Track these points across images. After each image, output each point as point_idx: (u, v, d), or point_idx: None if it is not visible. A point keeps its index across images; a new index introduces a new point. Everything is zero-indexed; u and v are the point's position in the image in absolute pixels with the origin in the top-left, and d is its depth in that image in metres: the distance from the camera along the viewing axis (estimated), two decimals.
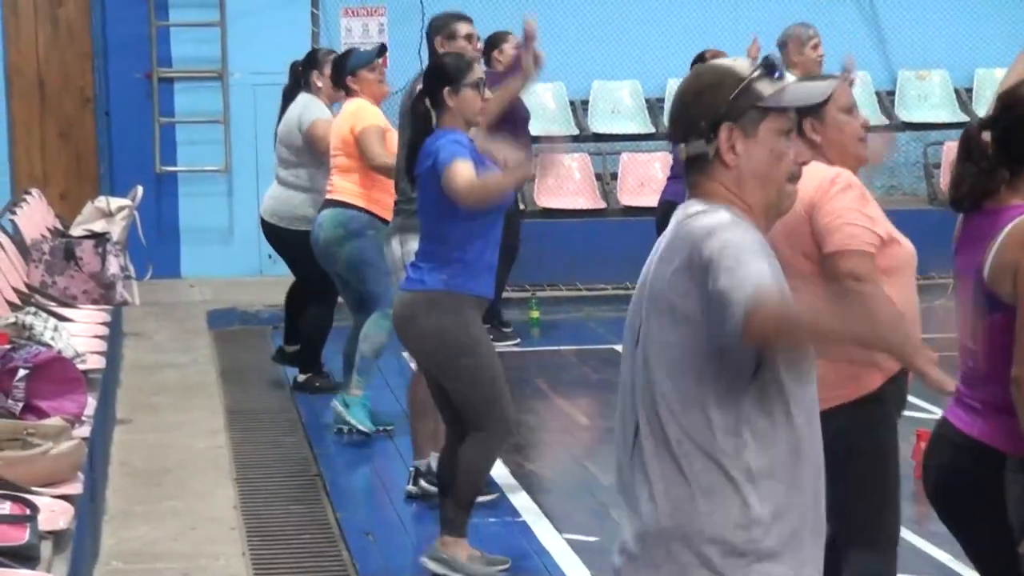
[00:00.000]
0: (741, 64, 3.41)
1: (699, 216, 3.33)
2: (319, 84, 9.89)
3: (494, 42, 11.01)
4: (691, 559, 3.28)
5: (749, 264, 3.20)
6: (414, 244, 7.15)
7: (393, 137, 8.42)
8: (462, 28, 8.11)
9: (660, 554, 3.32)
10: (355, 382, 8.85)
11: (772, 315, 3.13)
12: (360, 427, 8.77)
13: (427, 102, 6.60)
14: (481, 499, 7.45)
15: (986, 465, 4.37)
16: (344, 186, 8.85)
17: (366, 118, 8.79)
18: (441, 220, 6.51)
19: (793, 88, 3.38)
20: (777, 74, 3.36)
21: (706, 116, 3.36)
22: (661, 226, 9.63)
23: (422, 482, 7.61)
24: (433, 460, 7.56)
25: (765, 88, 3.36)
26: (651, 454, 3.33)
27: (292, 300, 10.19)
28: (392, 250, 7.58)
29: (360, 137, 8.74)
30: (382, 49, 9.14)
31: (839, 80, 3.42)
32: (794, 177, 3.40)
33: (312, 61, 10.10)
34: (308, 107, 9.81)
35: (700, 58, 9.76)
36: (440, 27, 8.14)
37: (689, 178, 3.42)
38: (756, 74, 3.36)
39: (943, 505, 4.56)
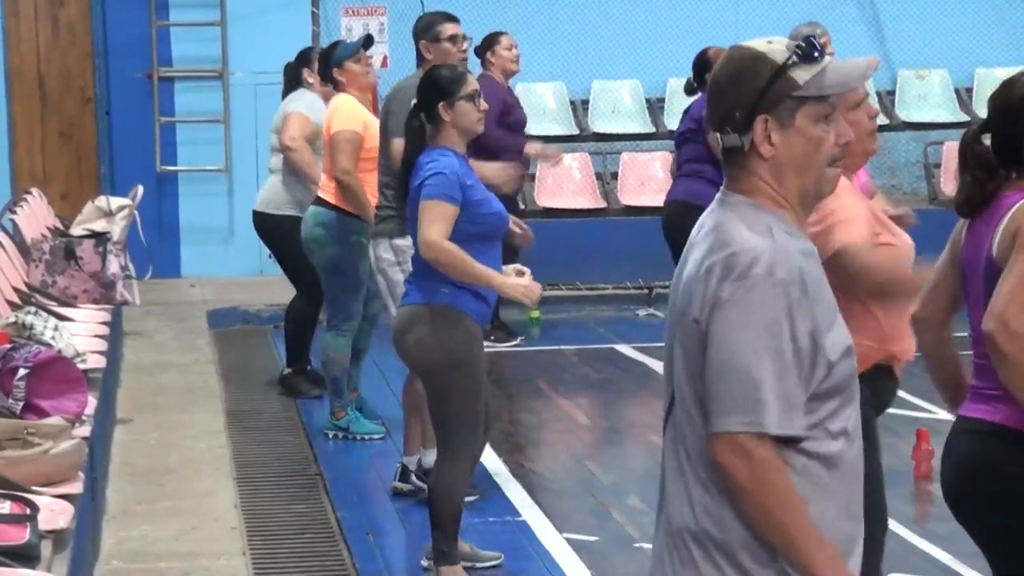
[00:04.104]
0: (777, 49, 3.25)
1: (740, 237, 3.22)
2: (310, 80, 9.95)
3: (488, 43, 10.99)
4: (724, 562, 3.21)
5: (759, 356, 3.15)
6: (383, 248, 7.21)
7: (375, 129, 8.31)
8: (446, 30, 7.99)
9: (695, 555, 3.25)
10: (336, 406, 8.87)
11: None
12: (374, 437, 8.79)
13: (421, 116, 6.39)
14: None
15: (1013, 449, 4.24)
16: (330, 186, 8.73)
17: (342, 120, 8.58)
18: None
19: (831, 73, 3.24)
20: (816, 53, 3.22)
21: (741, 107, 3.23)
22: (669, 227, 9.67)
23: (412, 478, 7.62)
24: (424, 456, 7.58)
25: (801, 75, 3.22)
26: (685, 455, 3.27)
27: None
28: (370, 255, 7.71)
29: (332, 141, 8.58)
30: (368, 40, 8.95)
31: (874, 61, 3.23)
32: (836, 160, 3.28)
33: (304, 59, 10.17)
34: (299, 98, 9.92)
35: (703, 56, 9.74)
36: (424, 29, 8.04)
37: (726, 168, 3.31)
38: (791, 61, 3.23)
39: (966, 499, 4.37)
